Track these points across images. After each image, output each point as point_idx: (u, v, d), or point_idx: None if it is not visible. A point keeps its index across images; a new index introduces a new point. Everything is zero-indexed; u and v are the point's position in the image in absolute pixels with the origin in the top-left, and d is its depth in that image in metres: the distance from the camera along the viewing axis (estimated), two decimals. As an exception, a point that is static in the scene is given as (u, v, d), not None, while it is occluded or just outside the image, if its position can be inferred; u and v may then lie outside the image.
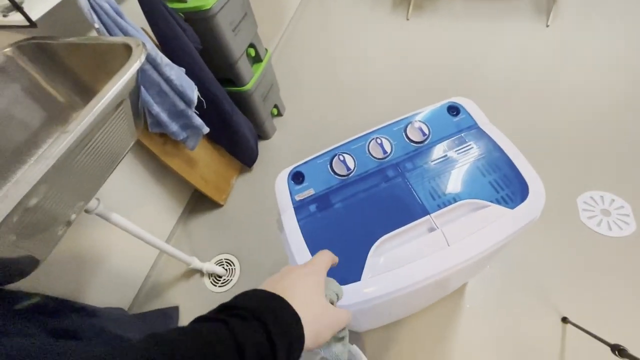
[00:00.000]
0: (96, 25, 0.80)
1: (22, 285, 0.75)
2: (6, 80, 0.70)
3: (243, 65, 1.31)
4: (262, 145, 1.63)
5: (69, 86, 0.77)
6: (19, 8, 0.65)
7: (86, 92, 0.79)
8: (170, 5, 1.06)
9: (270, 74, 1.54)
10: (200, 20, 1.10)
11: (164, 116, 1.04)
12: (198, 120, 1.13)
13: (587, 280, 1.05)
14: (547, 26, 1.85)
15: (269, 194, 1.46)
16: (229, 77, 1.32)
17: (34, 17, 0.68)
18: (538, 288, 1.06)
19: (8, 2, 0.68)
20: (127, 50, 0.66)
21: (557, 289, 1.05)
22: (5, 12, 0.70)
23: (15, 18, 0.68)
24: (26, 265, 0.61)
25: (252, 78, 1.38)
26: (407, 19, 2.09)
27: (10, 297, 0.69)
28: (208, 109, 1.18)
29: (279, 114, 1.73)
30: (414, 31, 2.03)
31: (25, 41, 0.70)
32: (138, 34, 0.88)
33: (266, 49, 1.49)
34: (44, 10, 0.69)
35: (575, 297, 1.03)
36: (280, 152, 1.62)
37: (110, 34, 0.83)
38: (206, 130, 1.16)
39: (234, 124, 1.32)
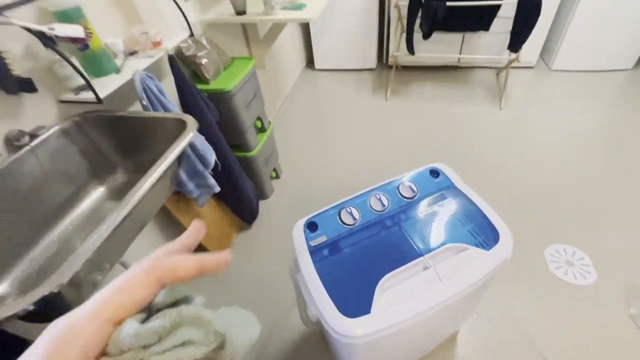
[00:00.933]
0: (144, 102, 0.98)
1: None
2: (68, 141, 0.83)
3: (251, 135, 1.51)
4: (261, 204, 1.76)
5: (116, 149, 0.91)
6: (93, 90, 0.81)
7: (130, 155, 0.93)
8: (198, 86, 1.28)
9: (271, 141, 1.75)
10: (221, 99, 1.32)
11: (183, 176, 1.17)
12: (212, 180, 1.27)
13: (563, 323, 1.16)
14: (501, 109, 2.24)
15: (266, 250, 1.56)
16: (238, 143, 1.51)
17: (101, 96, 0.85)
18: (521, 334, 1.15)
19: (82, 82, 0.85)
20: (178, 123, 0.82)
21: (538, 334, 1.14)
22: (77, 91, 0.86)
23: (86, 96, 0.85)
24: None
25: (257, 145, 1.57)
26: (386, 100, 2.46)
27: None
28: (220, 171, 1.33)
29: (277, 177, 1.90)
30: (392, 109, 2.38)
31: (90, 113, 0.86)
32: (174, 109, 1.07)
33: (269, 121, 1.72)
34: (110, 90, 0.87)
35: (554, 339, 1.12)
36: (278, 211, 1.75)
37: (154, 109, 1.01)
38: (217, 189, 1.30)
39: (240, 184, 1.46)
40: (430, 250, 0.76)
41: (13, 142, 0.76)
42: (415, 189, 0.89)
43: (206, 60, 1.31)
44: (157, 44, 1.07)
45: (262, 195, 1.77)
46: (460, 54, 2.54)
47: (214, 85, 1.31)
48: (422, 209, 0.85)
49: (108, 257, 0.73)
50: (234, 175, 1.42)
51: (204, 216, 1.42)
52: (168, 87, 1.18)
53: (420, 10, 2.00)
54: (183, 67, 1.31)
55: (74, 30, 0.77)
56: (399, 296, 0.70)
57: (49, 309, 0.59)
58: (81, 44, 0.84)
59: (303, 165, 2.02)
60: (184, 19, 1.18)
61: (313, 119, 2.42)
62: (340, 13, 2.53)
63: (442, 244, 0.77)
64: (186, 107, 1.21)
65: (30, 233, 0.78)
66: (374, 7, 2.48)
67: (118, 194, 0.94)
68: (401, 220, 0.83)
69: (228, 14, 1.40)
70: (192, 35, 1.25)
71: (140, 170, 0.97)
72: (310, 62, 3.03)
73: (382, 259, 0.76)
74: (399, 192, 0.88)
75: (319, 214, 0.86)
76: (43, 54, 0.82)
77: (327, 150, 2.11)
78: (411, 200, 0.87)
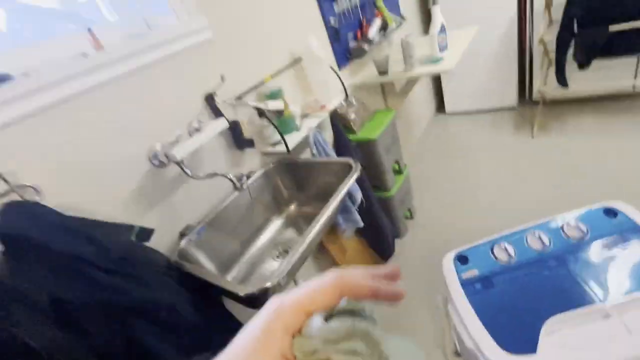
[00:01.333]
0: (314, 151, 1.26)
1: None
2: (266, 181, 1.15)
3: (389, 176, 1.66)
4: (395, 242, 1.83)
5: (293, 186, 1.20)
6: (286, 145, 1.12)
7: (301, 191, 1.20)
8: (348, 135, 1.53)
9: (407, 183, 1.85)
10: (366, 145, 1.53)
11: (336, 210, 1.39)
12: (357, 216, 1.45)
13: None
14: None
15: (402, 286, 1.58)
16: (377, 184, 1.67)
17: (290, 147, 1.15)
18: None
19: (277, 139, 1.19)
20: (341, 165, 1.03)
21: None
22: (273, 145, 1.20)
23: (279, 148, 1.17)
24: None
25: (394, 186, 1.70)
26: (533, 137, 2.25)
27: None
28: (363, 207, 1.50)
29: (411, 217, 1.96)
30: (541, 147, 2.15)
31: (282, 160, 1.18)
32: (333, 154, 1.32)
33: (405, 164, 1.84)
34: (294, 144, 1.17)
35: None
36: (412, 250, 1.78)
37: (319, 155, 1.28)
38: (361, 224, 1.46)
39: (379, 221, 1.60)
40: (612, 298, 0.68)
41: (237, 183, 1.12)
42: (584, 229, 0.82)
43: (354, 116, 1.57)
44: (322, 107, 1.37)
45: (396, 233, 1.84)
46: (635, 79, 2.13)
47: (361, 135, 1.54)
48: (596, 251, 0.77)
49: (293, 272, 0.95)
50: (374, 213, 1.57)
51: (347, 248, 1.60)
52: (327, 137, 1.47)
53: (573, 40, 1.84)
54: (338, 122, 1.61)
55: (279, 105, 1.10)
56: (573, 342, 0.65)
57: (258, 298, 0.81)
58: (280, 113, 1.18)
59: (437, 206, 2.02)
60: (341, 85, 1.48)
61: (446, 161, 2.41)
62: (472, 56, 2.54)
63: (629, 292, 0.68)
64: (340, 153, 1.47)
65: (238, 249, 1.08)
66: (513, 46, 2.40)
67: (292, 222, 1.20)
68: (569, 261, 0.78)
69: (373, 76, 1.66)
70: (346, 96, 1.54)
71: (307, 204, 1.23)
72: (440, 106, 3.08)
73: (547, 299, 0.72)
74: (563, 232, 0.83)
75: (469, 248, 0.89)
76: (257, 121, 1.19)
77: (462, 191, 2.05)
78: (580, 240, 0.80)
